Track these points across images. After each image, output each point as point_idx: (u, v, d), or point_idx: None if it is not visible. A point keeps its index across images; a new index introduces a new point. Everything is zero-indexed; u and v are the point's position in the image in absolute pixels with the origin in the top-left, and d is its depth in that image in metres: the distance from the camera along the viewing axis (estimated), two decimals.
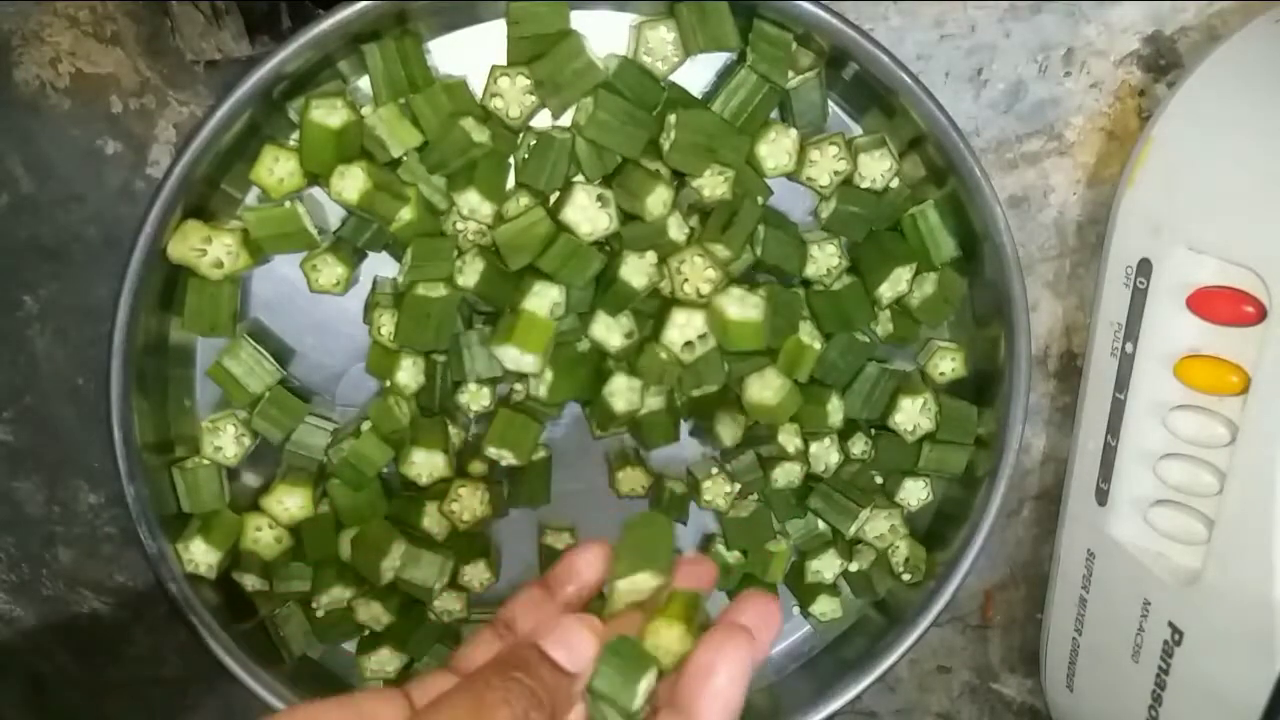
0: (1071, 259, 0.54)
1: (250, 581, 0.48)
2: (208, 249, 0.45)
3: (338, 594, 0.49)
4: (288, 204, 0.45)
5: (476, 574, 0.50)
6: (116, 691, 0.56)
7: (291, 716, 0.33)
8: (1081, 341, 0.55)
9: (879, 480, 0.52)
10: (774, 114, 0.48)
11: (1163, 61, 0.52)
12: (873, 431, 0.51)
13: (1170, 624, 0.47)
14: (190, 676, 0.55)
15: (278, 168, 0.45)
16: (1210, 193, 0.45)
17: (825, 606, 0.52)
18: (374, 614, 0.49)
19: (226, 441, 0.48)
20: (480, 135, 0.45)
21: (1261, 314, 0.43)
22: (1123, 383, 0.48)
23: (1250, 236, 0.43)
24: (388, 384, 0.48)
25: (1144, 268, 0.46)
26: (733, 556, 0.51)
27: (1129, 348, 0.47)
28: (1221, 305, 0.44)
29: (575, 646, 0.33)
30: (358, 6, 0.42)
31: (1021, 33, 0.51)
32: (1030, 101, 0.52)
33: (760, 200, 0.47)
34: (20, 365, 0.52)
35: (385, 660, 0.50)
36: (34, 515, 0.54)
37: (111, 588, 0.55)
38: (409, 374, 0.48)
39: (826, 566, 0.52)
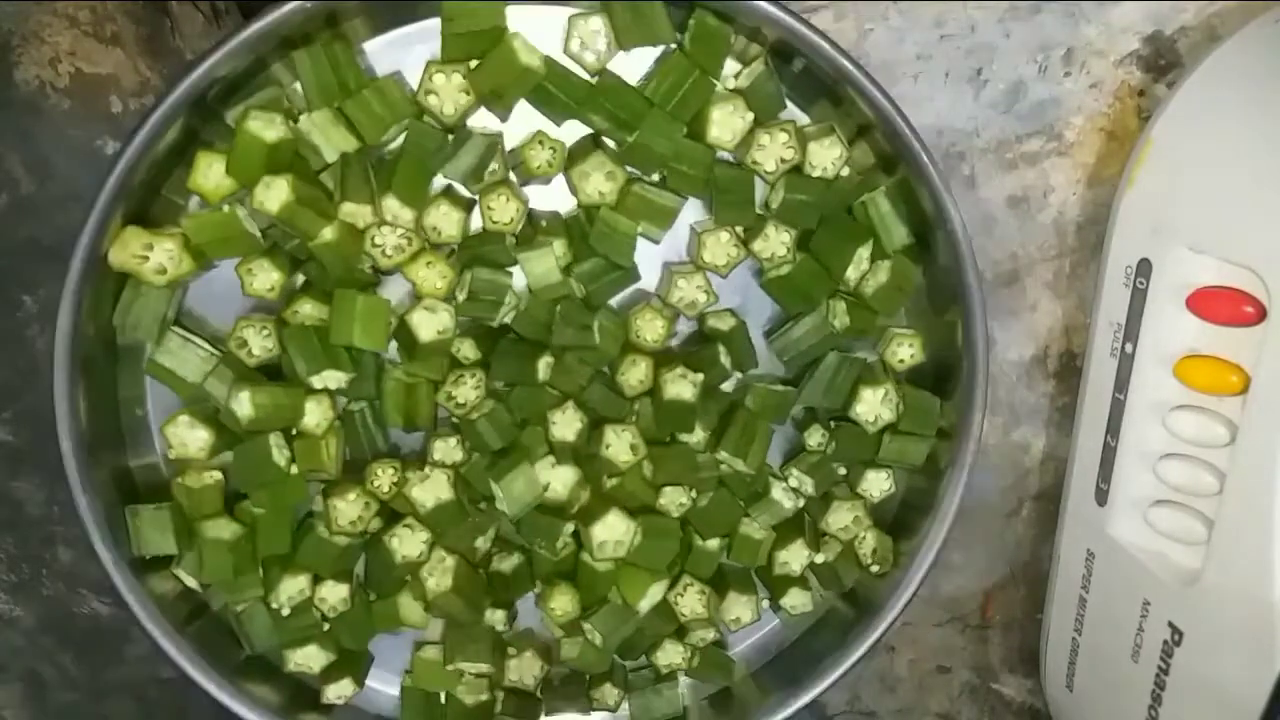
0: (1071, 259, 0.54)
1: (191, 580, 0.48)
2: (149, 255, 0.44)
3: (297, 586, 0.48)
4: (226, 208, 0.45)
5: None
6: (116, 691, 0.56)
7: None
8: (1081, 341, 0.55)
9: (842, 472, 0.52)
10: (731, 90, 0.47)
11: (1163, 61, 0.52)
12: (832, 423, 0.51)
13: (1170, 624, 0.47)
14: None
15: (212, 173, 0.44)
16: (1210, 193, 0.45)
17: (796, 600, 0.52)
18: (340, 596, 0.49)
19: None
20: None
21: (1261, 314, 0.43)
22: (1122, 383, 0.48)
23: (1250, 236, 0.43)
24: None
25: (1144, 268, 0.46)
26: (713, 545, 0.51)
27: (1129, 348, 0.47)
28: (1221, 305, 0.44)
29: None
30: (287, 8, 0.41)
31: (1021, 33, 0.51)
32: (1030, 101, 0.52)
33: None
34: (20, 365, 0.52)
35: (345, 688, 0.49)
36: (34, 515, 0.54)
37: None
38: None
39: (794, 558, 0.51)
